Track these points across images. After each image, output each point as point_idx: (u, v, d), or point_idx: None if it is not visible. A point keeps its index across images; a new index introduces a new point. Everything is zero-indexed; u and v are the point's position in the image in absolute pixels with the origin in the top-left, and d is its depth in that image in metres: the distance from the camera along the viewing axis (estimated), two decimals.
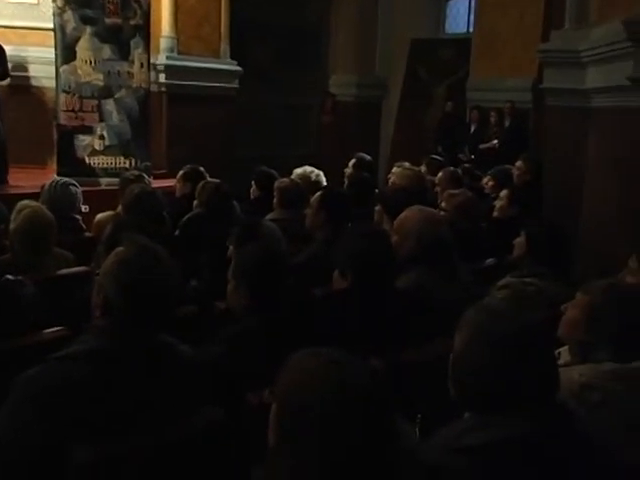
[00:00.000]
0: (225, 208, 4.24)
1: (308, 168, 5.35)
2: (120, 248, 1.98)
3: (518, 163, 5.87)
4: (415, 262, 3.06)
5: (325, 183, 5.25)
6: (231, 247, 3.13)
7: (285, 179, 4.74)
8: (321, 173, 5.35)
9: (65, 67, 6.82)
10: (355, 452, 1.26)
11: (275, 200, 4.49)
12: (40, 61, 7.37)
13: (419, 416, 1.95)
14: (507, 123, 8.62)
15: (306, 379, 1.31)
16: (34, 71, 7.57)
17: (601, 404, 1.91)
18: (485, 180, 5.74)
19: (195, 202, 4.44)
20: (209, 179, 4.75)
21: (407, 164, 5.76)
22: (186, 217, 4.30)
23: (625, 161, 4.52)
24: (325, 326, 2.44)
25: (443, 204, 4.31)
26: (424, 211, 3.29)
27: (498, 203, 4.75)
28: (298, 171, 5.28)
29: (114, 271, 1.90)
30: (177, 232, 4.19)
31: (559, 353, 2.16)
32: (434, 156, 6.89)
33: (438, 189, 5.18)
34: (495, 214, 4.72)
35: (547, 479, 1.46)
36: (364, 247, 2.66)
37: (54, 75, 6.86)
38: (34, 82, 7.62)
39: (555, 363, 1.65)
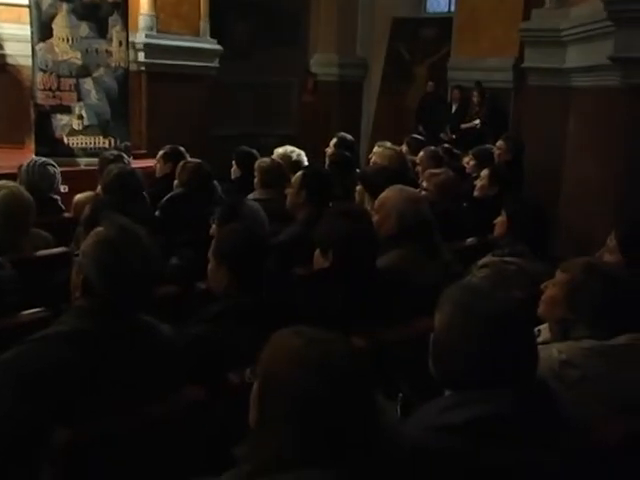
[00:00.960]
0: (206, 188, 4.22)
1: (289, 148, 5.33)
2: (100, 228, 1.96)
3: (499, 143, 5.89)
4: (396, 241, 3.07)
5: (306, 163, 5.23)
6: (214, 226, 3.11)
7: (266, 159, 4.71)
8: (302, 153, 5.33)
9: (41, 45, 6.69)
10: (337, 431, 1.26)
11: (256, 180, 4.47)
12: (15, 38, 7.22)
13: (400, 395, 1.95)
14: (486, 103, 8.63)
15: (288, 358, 1.31)
16: (10, 49, 7.41)
17: (580, 381, 1.93)
18: (466, 160, 5.75)
19: (175, 182, 4.40)
20: (189, 159, 4.71)
21: (388, 144, 5.75)
22: (167, 197, 4.27)
23: (604, 140, 4.55)
24: (306, 305, 2.44)
25: (424, 183, 4.31)
26: (405, 190, 3.29)
27: (479, 183, 4.77)
28: (279, 151, 5.26)
29: (94, 252, 1.89)
30: (157, 212, 4.16)
31: (539, 331, 2.18)
32: (415, 135, 6.88)
33: (419, 169, 5.18)
34: (476, 193, 4.73)
35: (526, 455, 1.48)
36: (345, 226, 2.65)
37: (30, 53, 6.74)
38: (10, 60, 7.47)
39: (534, 341, 1.66)
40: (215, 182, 4.46)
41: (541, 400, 1.54)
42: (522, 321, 1.60)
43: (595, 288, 2.06)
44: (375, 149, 5.60)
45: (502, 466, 1.46)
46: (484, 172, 4.80)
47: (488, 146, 6.06)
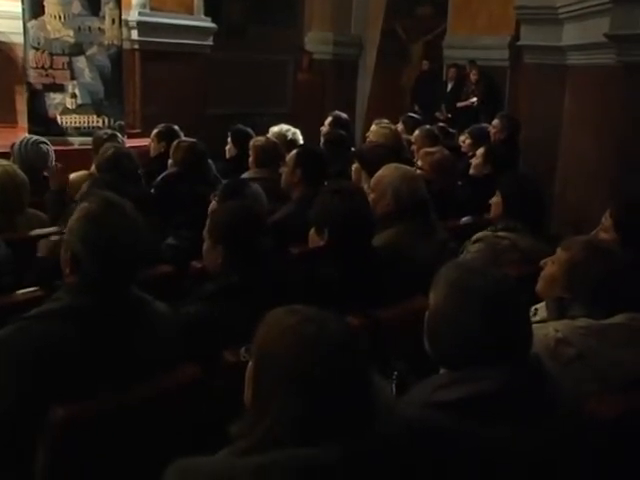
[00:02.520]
0: (200, 167, 4.20)
1: (284, 126, 5.30)
2: (85, 204, 1.94)
3: (495, 121, 5.87)
4: (392, 219, 3.06)
5: (301, 141, 5.21)
6: (214, 202, 3.08)
7: (261, 137, 4.69)
8: (297, 131, 5.30)
9: (33, 22, 6.61)
10: (332, 408, 1.26)
11: (251, 159, 4.44)
12: (7, 15, 7.10)
13: (395, 373, 1.96)
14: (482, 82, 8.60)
15: (283, 336, 1.30)
16: (1, 26, 7.34)
17: (576, 359, 1.93)
18: (462, 138, 5.73)
19: (170, 161, 4.38)
20: (183, 138, 4.69)
21: (386, 121, 5.73)
22: (161, 176, 4.25)
23: (600, 118, 4.54)
24: (302, 284, 2.44)
25: (419, 162, 4.30)
26: (401, 168, 3.28)
27: (474, 161, 4.75)
28: (274, 129, 5.24)
29: (79, 227, 1.87)
30: (152, 191, 4.14)
31: (536, 309, 2.18)
32: (411, 114, 6.85)
33: (414, 147, 5.16)
34: (471, 172, 4.72)
35: (520, 433, 1.48)
36: (340, 204, 2.64)
37: (22, 30, 6.66)
38: (2, 37, 7.39)
39: (529, 319, 1.66)
40: (210, 161, 4.44)
41: (536, 378, 1.54)
42: (517, 299, 1.59)
43: (593, 267, 2.06)
44: (372, 127, 5.58)
45: (496, 444, 1.47)
46: (479, 151, 4.78)
47: (484, 125, 6.04)
